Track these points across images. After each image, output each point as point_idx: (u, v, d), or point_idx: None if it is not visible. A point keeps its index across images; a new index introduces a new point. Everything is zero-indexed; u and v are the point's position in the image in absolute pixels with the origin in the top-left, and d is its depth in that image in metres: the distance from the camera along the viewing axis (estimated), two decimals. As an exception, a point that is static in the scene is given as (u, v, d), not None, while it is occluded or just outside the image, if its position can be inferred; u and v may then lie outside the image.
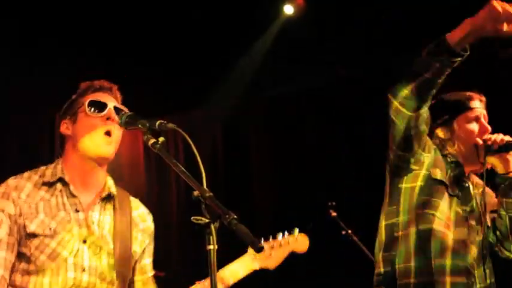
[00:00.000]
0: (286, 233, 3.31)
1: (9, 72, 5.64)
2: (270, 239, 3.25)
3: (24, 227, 2.63)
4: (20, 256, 2.64)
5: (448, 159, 3.32)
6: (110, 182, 2.88)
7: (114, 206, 2.84)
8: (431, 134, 3.35)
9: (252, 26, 6.40)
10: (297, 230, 3.34)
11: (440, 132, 3.37)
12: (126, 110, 2.80)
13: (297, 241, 3.34)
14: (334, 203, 5.19)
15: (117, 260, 2.74)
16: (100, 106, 2.78)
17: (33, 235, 2.62)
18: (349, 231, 5.15)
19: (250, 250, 3.18)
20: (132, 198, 2.96)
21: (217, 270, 2.12)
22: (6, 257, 2.62)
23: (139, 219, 2.94)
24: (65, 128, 2.85)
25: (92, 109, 2.77)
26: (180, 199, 7.04)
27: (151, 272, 2.98)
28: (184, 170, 2.16)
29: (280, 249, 3.26)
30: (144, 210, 2.99)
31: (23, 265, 2.64)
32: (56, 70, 5.89)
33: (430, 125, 3.27)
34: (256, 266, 3.18)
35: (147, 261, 2.96)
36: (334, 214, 5.18)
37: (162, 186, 6.98)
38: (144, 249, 2.94)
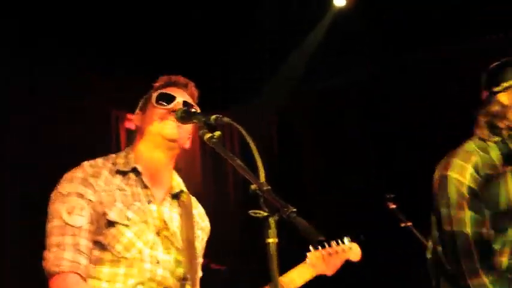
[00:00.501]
0: (339, 240, 3.49)
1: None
2: (326, 246, 3.40)
3: (104, 214, 2.58)
4: (95, 245, 2.58)
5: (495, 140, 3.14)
6: (179, 179, 2.88)
7: (180, 202, 2.83)
8: (491, 100, 3.17)
9: (303, 20, 6.44)
10: (347, 239, 3.52)
11: (503, 97, 3.15)
12: (196, 107, 2.81)
13: (351, 250, 3.53)
14: (392, 195, 5.11)
15: (186, 257, 2.72)
16: (168, 99, 2.77)
17: (112, 223, 2.58)
18: (409, 223, 5.07)
19: (309, 258, 3.35)
20: (191, 196, 2.95)
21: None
22: (88, 246, 2.56)
23: (199, 218, 2.94)
24: (136, 119, 2.86)
25: (160, 101, 2.77)
26: (237, 193, 7.07)
27: (201, 273, 2.96)
28: (241, 164, 2.16)
29: (337, 256, 3.43)
30: (202, 210, 3.00)
31: (97, 254, 2.58)
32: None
33: (490, 90, 3.16)
34: (314, 273, 3.32)
35: (200, 260, 2.96)
36: (393, 206, 5.08)
37: (218, 181, 6.98)
38: (202, 248, 2.95)
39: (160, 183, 2.78)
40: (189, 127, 2.77)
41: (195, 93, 2.92)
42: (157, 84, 2.90)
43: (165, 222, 2.71)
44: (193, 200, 2.96)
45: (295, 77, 7.03)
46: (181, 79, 2.89)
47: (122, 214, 2.59)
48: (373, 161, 6.84)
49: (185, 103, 2.78)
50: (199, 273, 2.91)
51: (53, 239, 2.54)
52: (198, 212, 2.95)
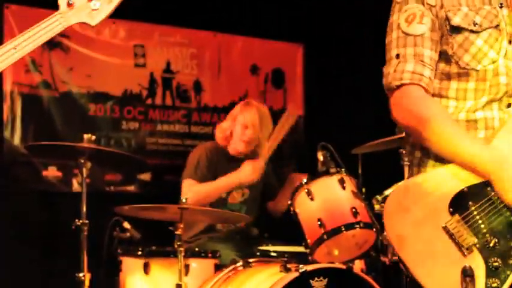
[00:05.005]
0: None
1: None
2: None
3: (447, 19, 2.25)
4: (439, 56, 2.28)
5: None
6: None
7: None
8: None
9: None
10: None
11: None
12: None
13: None
14: None
15: None
16: None
17: (457, 29, 2.24)
18: None
19: None
20: None
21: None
22: (431, 56, 2.24)
23: None
24: None
25: None
26: None
27: None
28: None
29: None
30: None
31: (442, 67, 2.28)
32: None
33: None
34: None
35: None
36: None
37: None
38: None
39: None
40: None
41: None
42: None
43: None
44: None
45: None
46: None
47: (468, 19, 2.25)
48: None
49: None
50: None
51: (392, 52, 2.28)
52: None
